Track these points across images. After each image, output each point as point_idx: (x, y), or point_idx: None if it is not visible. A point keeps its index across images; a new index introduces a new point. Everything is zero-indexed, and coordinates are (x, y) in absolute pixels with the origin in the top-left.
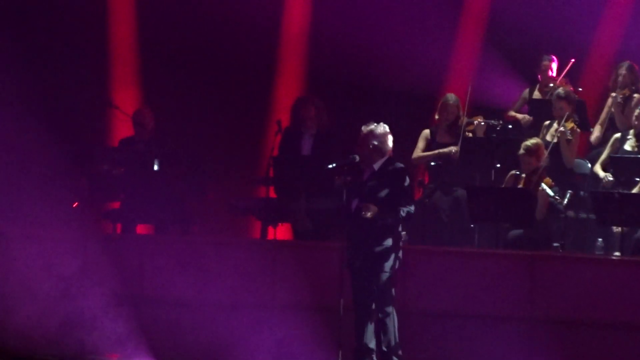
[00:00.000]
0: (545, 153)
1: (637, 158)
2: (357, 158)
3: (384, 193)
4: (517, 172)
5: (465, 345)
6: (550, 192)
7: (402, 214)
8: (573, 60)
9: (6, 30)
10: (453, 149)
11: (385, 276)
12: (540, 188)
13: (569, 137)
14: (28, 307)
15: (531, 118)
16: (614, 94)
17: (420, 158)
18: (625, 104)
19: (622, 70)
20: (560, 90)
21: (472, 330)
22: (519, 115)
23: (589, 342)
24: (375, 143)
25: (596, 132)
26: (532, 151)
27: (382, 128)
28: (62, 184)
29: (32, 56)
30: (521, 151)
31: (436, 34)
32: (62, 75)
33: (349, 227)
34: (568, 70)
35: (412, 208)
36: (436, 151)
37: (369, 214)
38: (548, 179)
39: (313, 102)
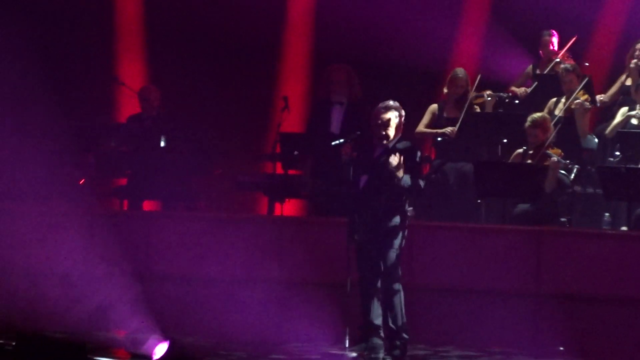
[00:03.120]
0: (552, 127)
1: None
2: (359, 133)
3: (394, 170)
4: (523, 150)
5: (472, 320)
6: (561, 160)
7: (421, 185)
8: (575, 37)
9: (12, 7)
10: (449, 129)
11: (393, 253)
12: (552, 158)
13: (588, 106)
14: (33, 282)
15: (527, 90)
16: (634, 62)
17: (421, 133)
18: None
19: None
20: (567, 64)
21: (479, 305)
22: (518, 90)
23: (596, 317)
24: (392, 120)
25: (605, 98)
26: (539, 123)
27: (396, 105)
28: (69, 160)
29: (38, 33)
30: (527, 124)
31: (442, 10)
32: (68, 51)
33: (356, 203)
34: (571, 47)
35: (424, 183)
36: (434, 130)
37: (394, 162)
38: (558, 150)
39: (344, 67)
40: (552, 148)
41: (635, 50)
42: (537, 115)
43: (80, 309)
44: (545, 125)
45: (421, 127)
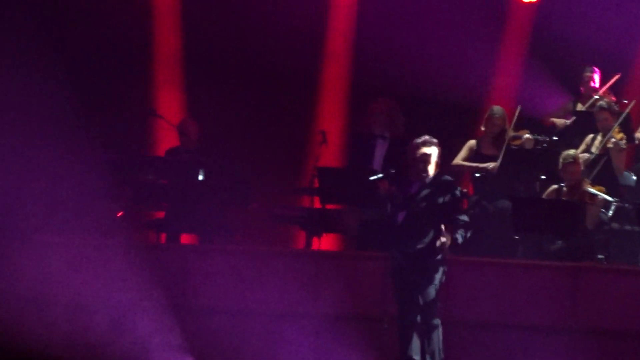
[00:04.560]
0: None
1: None
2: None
3: (437, 203)
4: (558, 186)
5: (508, 356)
6: (609, 198)
7: (465, 219)
8: (619, 75)
9: (51, 38)
10: (491, 164)
11: (432, 289)
12: (598, 196)
13: (623, 147)
14: (72, 315)
15: (567, 121)
16: None
17: (458, 165)
18: None
19: None
20: (602, 101)
21: (515, 341)
22: (557, 120)
23: (631, 353)
24: (432, 156)
25: None
26: (577, 160)
27: (435, 141)
28: (106, 193)
29: (77, 65)
30: (568, 160)
31: (482, 45)
32: (106, 83)
33: (394, 238)
34: (612, 84)
35: (466, 217)
36: (474, 164)
37: (447, 243)
38: (601, 187)
39: (387, 100)
40: (593, 185)
41: None
42: (572, 151)
43: (118, 341)
44: (579, 162)
45: (458, 160)
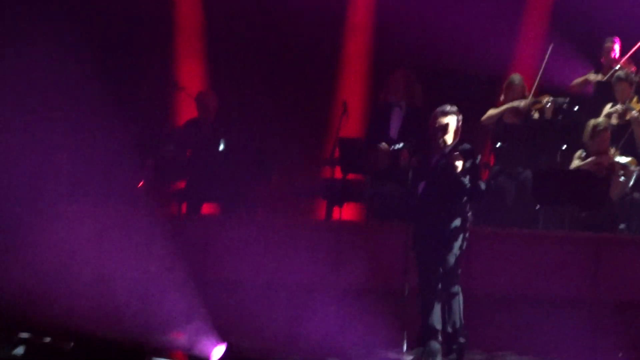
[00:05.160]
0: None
1: None
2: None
3: (457, 172)
4: (584, 154)
5: (529, 327)
6: (635, 170)
7: (482, 187)
8: None
9: (72, 14)
10: (522, 102)
11: (453, 256)
12: (627, 166)
13: None
14: (96, 286)
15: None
16: None
17: (490, 117)
18: None
19: None
20: (621, 72)
21: (536, 312)
22: (590, 77)
23: None
24: (451, 125)
25: None
26: (607, 129)
27: (455, 109)
28: (128, 164)
29: (98, 37)
30: (599, 128)
31: (503, 15)
32: (128, 56)
33: (415, 209)
34: (634, 53)
35: (484, 185)
36: (504, 107)
37: (459, 165)
38: (633, 159)
39: (403, 70)
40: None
41: None
42: (601, 120)
43: (141, 313)
44: (608, 131)
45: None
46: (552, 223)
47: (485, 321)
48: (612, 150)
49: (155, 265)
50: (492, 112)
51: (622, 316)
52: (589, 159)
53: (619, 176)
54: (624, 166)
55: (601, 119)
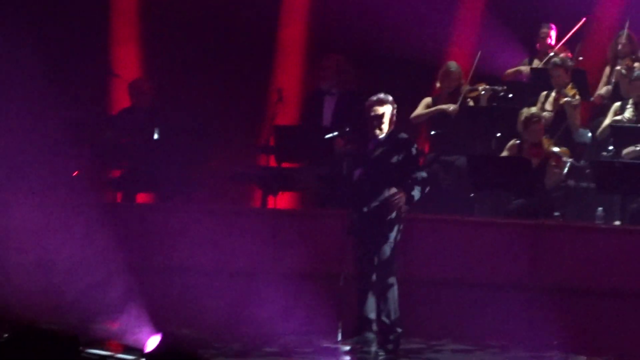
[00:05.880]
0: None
1: (636, 127)
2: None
3: (392, 161)
4: (518, 142)
5: (467, 314)
6: (568, 159)
7: (424, 175)
8: (584, 19)
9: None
10: (451, 106)
11: (387, 247)
12: (561, 157)
13: (576, 103)
14: (33, 273)
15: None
16: (618, 67)
17: (418, 116)
18: (628, 74)
19: (622, 40)
20: (557, 58)
21: (474, 299)
22: (522, 68)
23: (590, 310)
24: (387, 114)
25: (603, 92)
26: (540, 119)
27: (390, 98)
28: (64, 152)
29: (33, 24)
30: (533, 119)
31: (439, 1)
32: (63, 43)
33: (351, 196)
34: (570, 38)
35: (424, 174)
36: (433, 108)
37: (403, 208)
38: (566, 149)
39: (334, 56)
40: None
41: (617, 44)
42: (534, 110)
43: (79, 300)
44: (542, 122)
45: (417, 112)
46: (487, 210)
47: (423, 308)
48: (546, 142)
49: (92, 252)
50: (420, 111)
51: (558, 301)
52: (510, 143)
53: (553, 166)
54: (557, 157)
55: (534, 108)
